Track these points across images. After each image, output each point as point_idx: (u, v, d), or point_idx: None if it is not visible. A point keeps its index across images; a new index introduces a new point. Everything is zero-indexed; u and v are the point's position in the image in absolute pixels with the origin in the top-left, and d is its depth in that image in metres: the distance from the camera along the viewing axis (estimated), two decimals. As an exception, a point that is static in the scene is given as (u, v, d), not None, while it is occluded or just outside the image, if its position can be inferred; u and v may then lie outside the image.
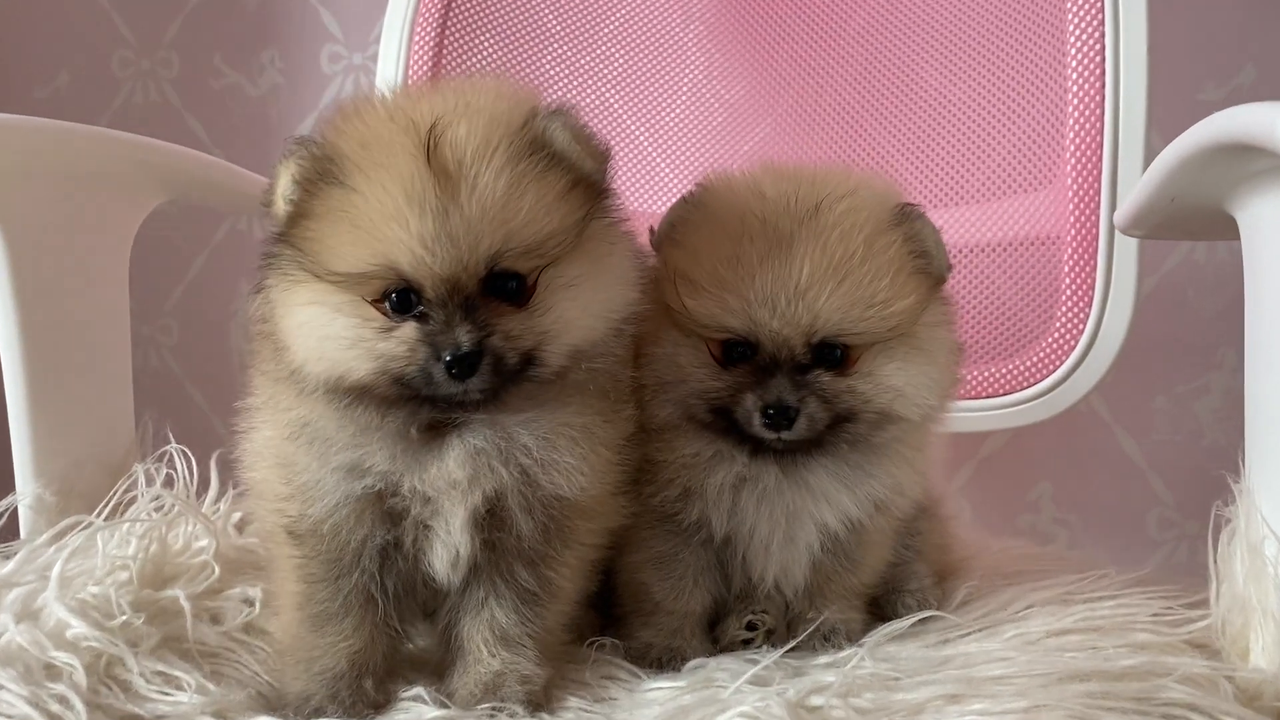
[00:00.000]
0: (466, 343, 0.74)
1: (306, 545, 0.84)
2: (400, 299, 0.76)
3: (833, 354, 0.89)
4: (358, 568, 0.84)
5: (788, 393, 0.87)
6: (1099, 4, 1.36)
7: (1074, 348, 1.39)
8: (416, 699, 0.82)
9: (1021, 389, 1.42)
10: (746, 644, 0.97)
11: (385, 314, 0.77)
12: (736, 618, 0.98)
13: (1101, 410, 1.88)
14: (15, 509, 1.12)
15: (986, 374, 1.43)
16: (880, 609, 1.03)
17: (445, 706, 0.81)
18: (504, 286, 0.77)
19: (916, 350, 0.90)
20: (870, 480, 0.95)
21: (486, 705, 0.81)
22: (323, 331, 0.78)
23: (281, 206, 0.78)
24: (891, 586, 1.04)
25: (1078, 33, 1.37)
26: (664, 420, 0.93)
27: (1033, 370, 1.41)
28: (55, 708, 0.75)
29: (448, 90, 0.81)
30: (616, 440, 0.87)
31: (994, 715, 0.75)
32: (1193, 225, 1.04)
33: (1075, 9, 1.37)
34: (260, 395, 0.88)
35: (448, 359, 0.74)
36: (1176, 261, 1.84)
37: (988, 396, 1.43)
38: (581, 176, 0.80)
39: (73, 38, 2.18)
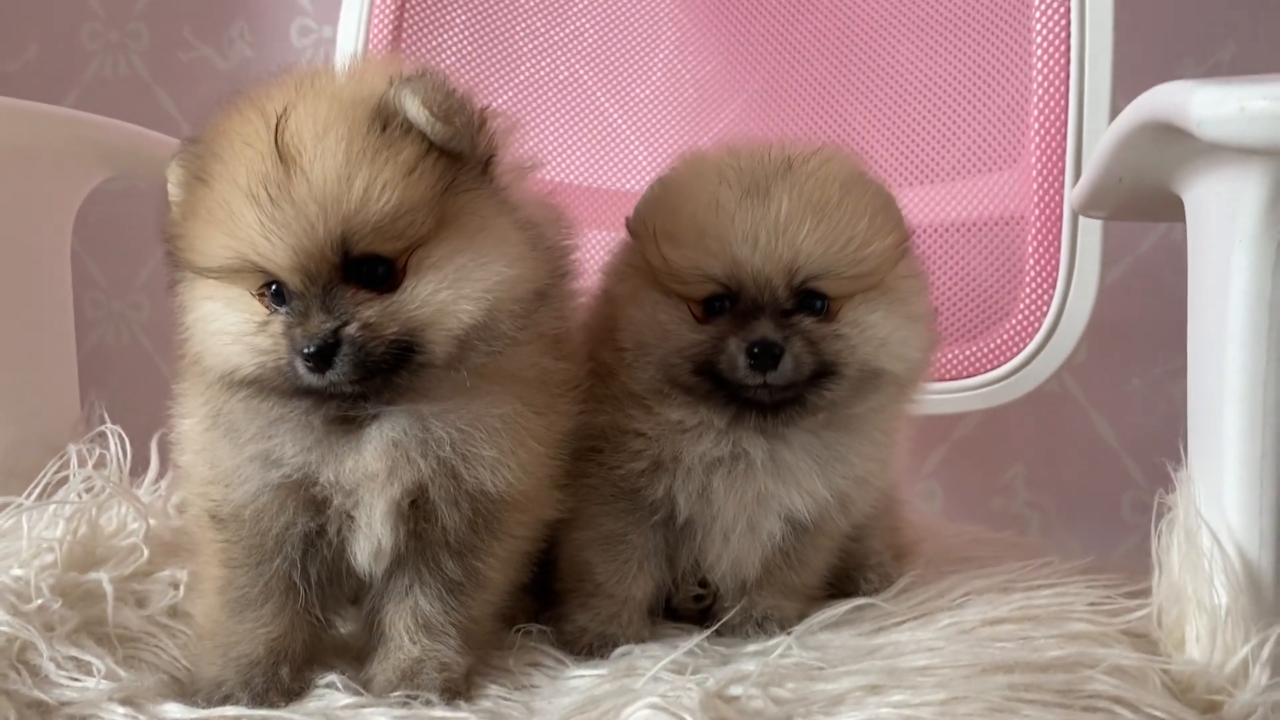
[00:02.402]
0: (319, 335, 0.72)
1: (229, 530, 0.83)
2: (277, 292, 0.75)
3: (814, 303, 0.88)
4: (279, 554, 0.82)
5: (772, 331, 0.86)
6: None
7: (1039, 329, 1.37)
8: (330, 686, 0.81)
9: (987, 370, 1.40)
10: (699, 600, 0.98)
11: (267, 307, 0.76)
12: (691, 578, 0.98)
13: (1076, 392, 1.86)
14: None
15: (953, 355, 1.41)
16: (840, 586, 1.02)
17: (358, 694, 0.80)
18: (371, 272, 0.74)
19: (898, 301, 0.90)
20: (842, 463, 0.93)
21: (401, 693, 0.79)
22: (213, 326, 0.78)
23: (175, 210, 0.78)
24: (853, 563, 1.04)
25: (1043, 10, 1.34)
26: (645, 384, 0.91)
27: (998, 351, 1.40)
28: (-42, 693, 0.74)
29: (303, 76, 0.78)
30: (550, 434, 0.85)
31: (912, 707, 0.74)
32: (1147, 206, 1.02)
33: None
34: (185, 382, 0.87)
35: (304, 351, 0.73)
36: (1152, 243, 1.82)
37: (954, 378, 1.41)
38: (436, 145, 0.75)
39: (42, 10, 2.15)
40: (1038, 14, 1.35)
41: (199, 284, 0.78)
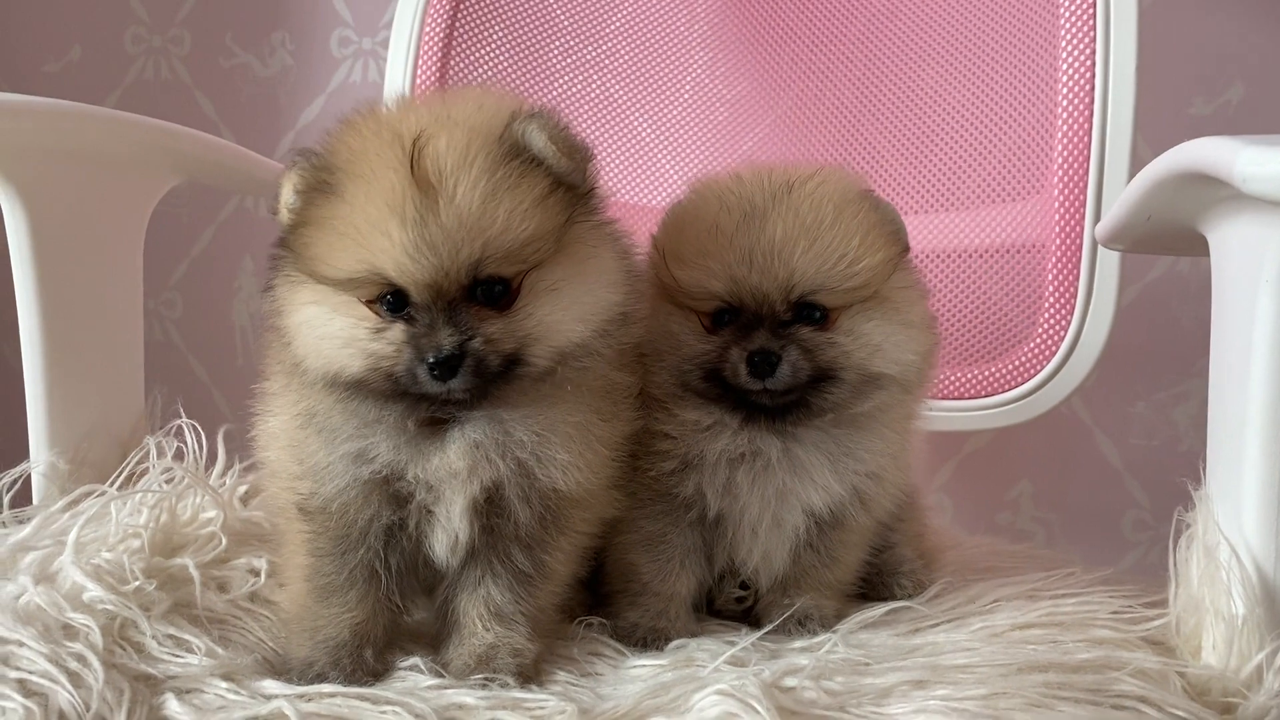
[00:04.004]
0: (448, 346, 0.79)
1: (316, 521, 0.89)
2: (394, 300, 0.81)
3: (813, 313, 0.95)
4: (363, 544, 0.88)
5: (769, 341, 0.94)
6: (1090, 19, 1.40)
7: (1055, 353, 1.44)
8: (414, 668, 0.87)
9: (1003, 391, 1.47)
10: (740, 601, 1.04)
11: (379, 314, 0.82)
12: (731, 579, 1.05)
13: (1082, 413, 1.93)
14: (28, 476, 1.17)
15: (969, 376, 1.48)
16: (875, 592, 1.09)
17: (440, 676, 0.86)
18: (489, 291, 0.81)
19: (892, 310, 0.98)
20: (853, 459, 1.00)
21: (479, 675, 0.86)
22: (320, 330, 0.83)
23: (285, 214, 0.84)
24: (886, 570, 1.10)
25: (1069, 46, 1.41)
26: (661, 388, 0.98)
27: (1014, 373, 1.46)
28: (74, 665, 0.80)
29: (434, 103, 0.85)
30: (613, 439, 0.92)
31: (955, 701, 0.80)
32: (1169, 242, 1.08)
33: (1068, 22, 1.42)
34: (274, 383, 0.93)
35: (430, 361, 0.79)
36: (1160, 272, 1.89)
37: (970, 398, 1.48)
38: (560, 179, 0.83)
39: (86, 13, 2.21)
40: (1064, 49, 1.41)
41: (303, 289, 0.84)
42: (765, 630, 0.95)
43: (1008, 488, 1.98)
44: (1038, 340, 1.45)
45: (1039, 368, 1.45)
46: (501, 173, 0.79)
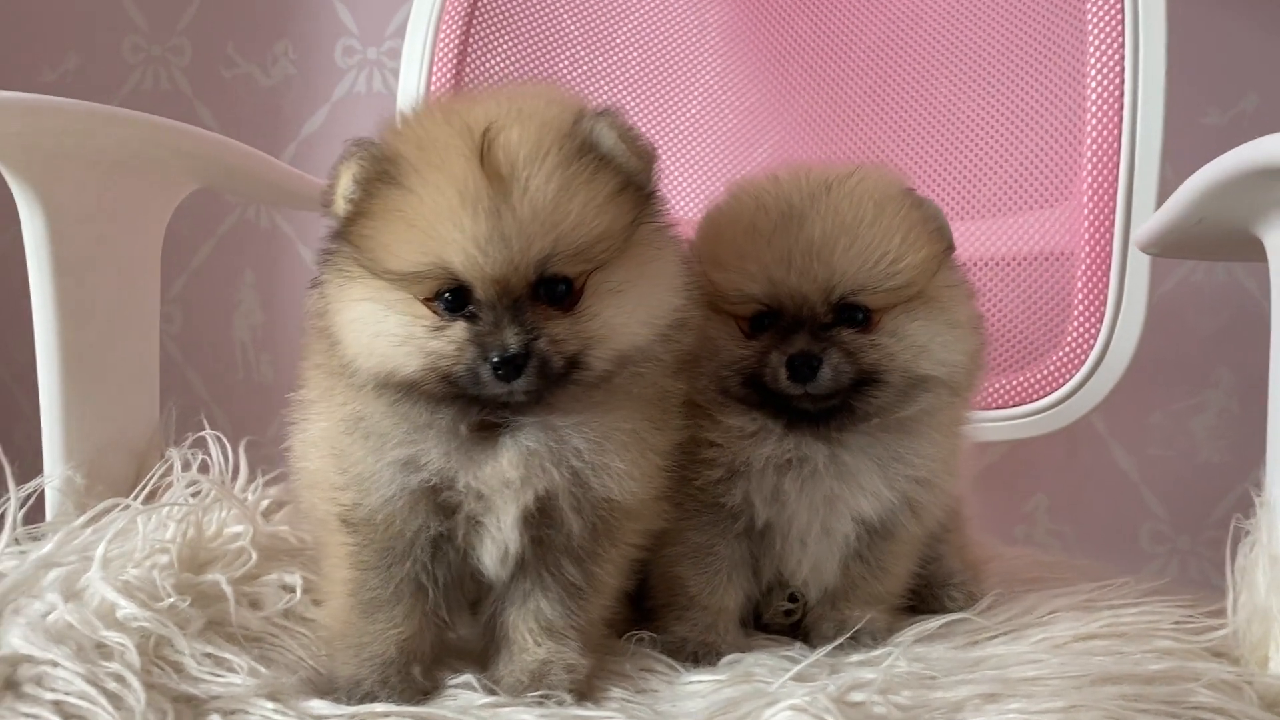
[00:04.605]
0: (514, 345, 0.76)
1: (360, 533, 0.85)
2: (453, 298, 0.78)
3: (854, 315, 0.93)
4: (409, 557, 0.85)
5: (809, 344, 0.91)
6: (1119, 23, 1.39)
7: (1084, 362, 1.43)
8: (465, 685, 0.83)
9: (1031, 401, 1.45)
10: (789, 615, 1.02)
11: (436, 313, 0.79)
12: (779, 592, 1.02)
13: (1099, 425, 1.92)
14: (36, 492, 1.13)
15: (996, 386, 1.46)
16: (925, 604, 1.06)
17: (494, 693, 0.83)
18: (552, 290, 0.79)
19: (938, 310, 0.95)
20: (903, 464, 0.97)
21: (534, 693, 0.82)
22: (375, 328, 0.80)
23: (341, 205, 0.80)
24: (935, 582, 1.08)
25: (1097, 50, 1.40)
26: (704, 395, 0.95)
27: (1042, 383, 1.45)
28: (112, 686, 0.76)
29: (500, 96, 0.83)
30: (665, 447, 0.89)
31: (1032, 714, 0.77)
32: (1214, 246, 1.07)
33: (1095, 26, 1.41)
34: (314, 389, 0.90)
35: (495, 360, 0.76)
36: (1175, 283, 1.88)
37: (997, 408, 1.46)
38: (629, 178, 0.81)
39: (83, 21, 2.17)
40: (1092, 53, 1.41)
41: (356, 285, 0.80)
42: (831, 646, 0.91)
43: (1024, 500, 1.96)
44: (1066, 349, 1.43)
45: (1068, 377, 1.44)
46: (574, 167, 0.77)
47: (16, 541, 1.04)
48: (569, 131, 0.79)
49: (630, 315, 0.81)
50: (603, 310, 0.80)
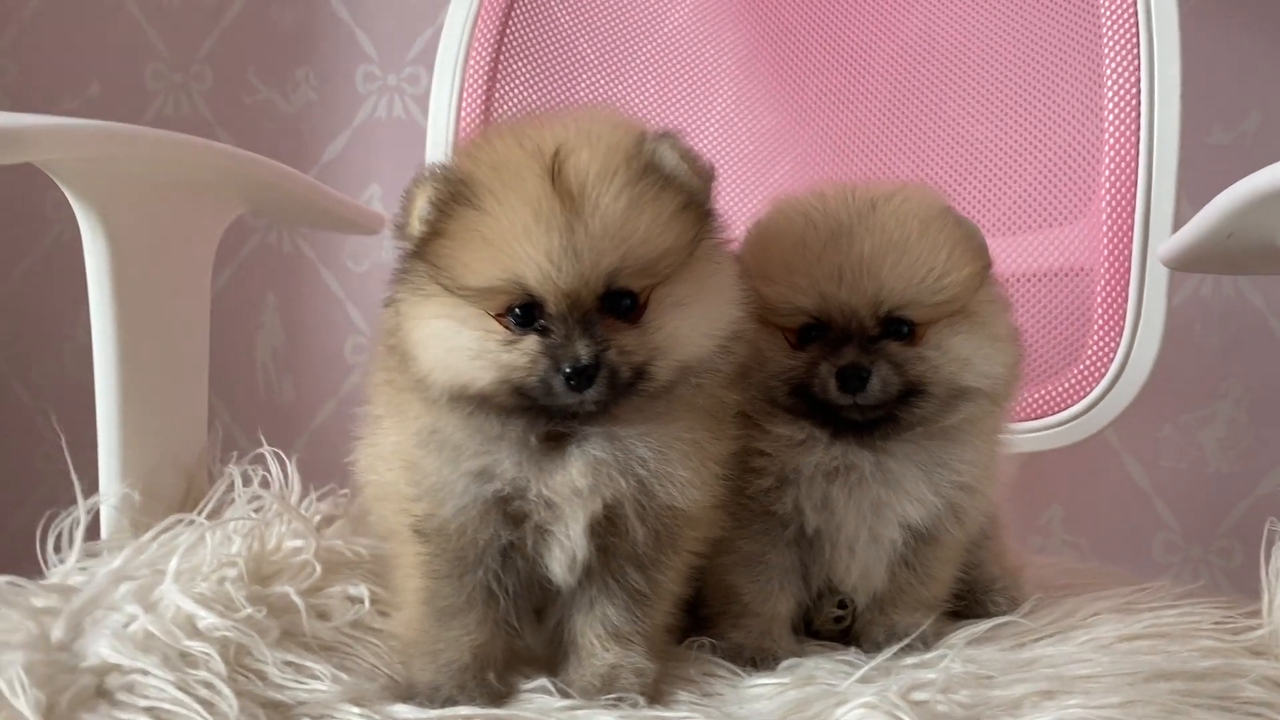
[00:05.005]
0: (585, 355, 0.79)
1: (433, 543, 0.88)
2: (523, 313, 0.81)
3: (900, 329, 0.96)
4: (481, 565, 0.88)
5: (859, 356, 0.94)
6: (1134, 44, 1.44)
7: (1104, 375, 1.46)
8: (540, 690, 0.86)
9: (1052, 414, 1.49)
10: (839, 621, 1.04)
11: (508, 328, 0.82)
12: (829, 598, 1.05)
13: (1111, 438, 1.96)
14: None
15: (1018, 399, 1.49)
16: (968, 610, 1.09)
17: (569, 696, 0.85)
18: (618, 304, 0.82)
19: (980, 324, 0.99)
20: (947, 470, 1.01)
21: (606, 696, 0.85)
22: (450, 343, 0.83)
23: (417, 226, 0.84)
24: (978, 588, 1.10)
25: (1114, 66, 1.44)
26: (752, 405, 0.99)
27: (1063, 396, 1.48)
28: (204, 693, 0.78)
29: (566, 120, 0.87)
30: (723, 456, 0.92)
31: (1092, 709, 0.80)
32: (1241, 260, 1.11)
33: (1111, 48, 1.45)
34: (382, 404, 0.93)
35: (567, 370, 0.79)
36: (1183, 298, 1.92)
37: (1020, 420, 1.49)
38: (690, 197, 0.85)
39: (105, 49, 2.20)
40: (1108, 70, 1.44)
41: (430, 302, 0.84)
42: (894, 650, 0.94)
43: (1039, 512, 2.00)
44: (1086, 362, 1.47)
45: (1088, 389, 1.47)
46: (640, 186, 0.81)
47: (61, 561, 1.06)
48: (634, 153, 0.83)
49: (693, 328, 0.85)
50: (667, 323, 0.84)
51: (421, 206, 0.83)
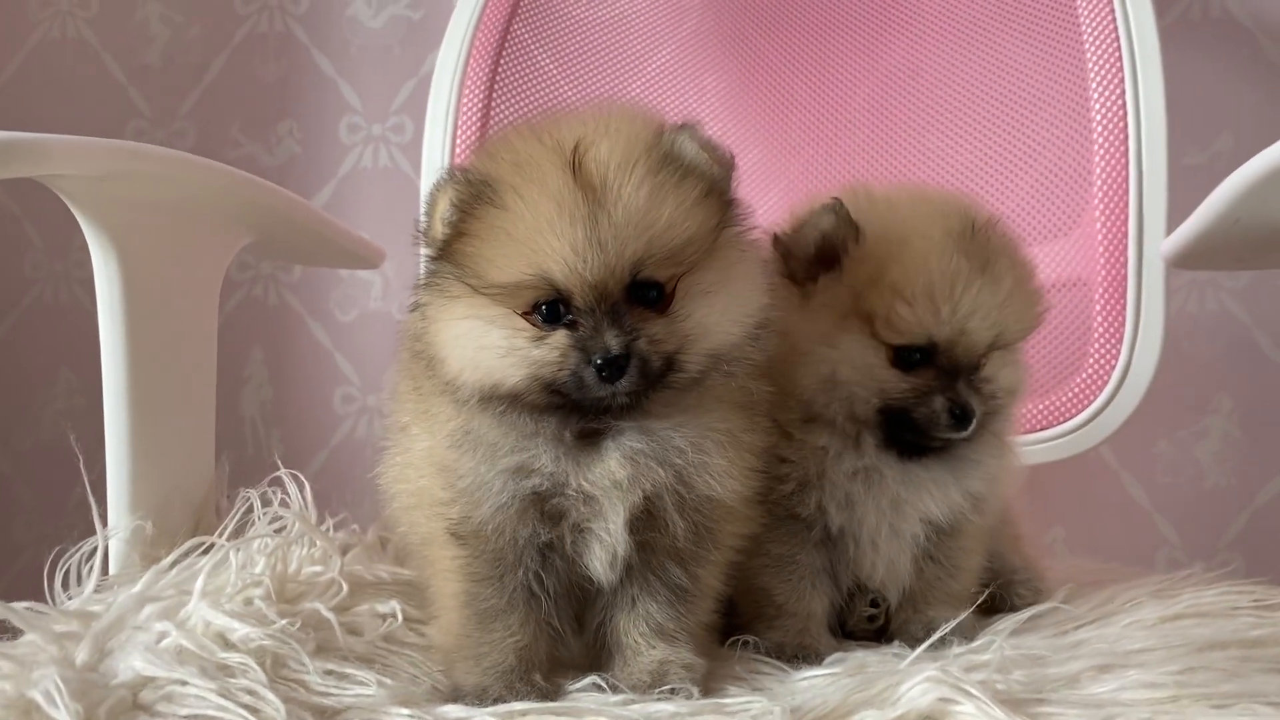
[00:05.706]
0: (615, 346, 0.79)
1: (470, 546, 0.87)
2: (550, 309, 0.81)
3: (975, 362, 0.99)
4: (520, 565, 0.87)
5: (970, 395, 0.96)
6: (1117, 57, 1.48)
7: (1106, 384, 1.47)
8: (591, 686, 0.84)
9: (1056, 425, 1.50)
10: (872, 620, 1.04)
11: (535, 325, 0.82)
12: (861, 598, 1.05)
13: (1108, 456, 1.97)
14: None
15: (1022, 411, 1.50)
16: (994, 605, 1.08)
17: (624, 691, 0.83)
18: (644, 295, 0.82)
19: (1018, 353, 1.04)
20: (972, 465, 1.03)
21: (659, 691, 0.83)
22: (479, 342, 0.83)
23: (440, 229, 0.84)
24: (1001, 580, 1.10)
25: (1099, 86, 1.48)
26: (819, 415, 0.99)
27: (1066, 407, 1.49)
28: (247, 699, 0.76)
29: (584, 116, 0.87)
30: (758, 447, 0.92)
31: (1152, 677, 0.79)
32: (1245, 250, 1.13)
33: (1095, 64, 1.49)
34: (409, 412, 0.92)
35: (598, 362, 0.79)
36: (1173, 312, 1.95)
37: (1024, 433, 1.50)
38: (712, 185, 0.85)
39: (87, 107, 2.20)
40: (1094, 91, 1.49)
41: (457, 303, 0.83)
42: (935, 637, 0.92)
43: (1041, 534, 1.99)
44: (1088, 372, 1.48)
45: (1090, 399, 1.48)
46: (661, 175, 0.81)
47: (68, 599, 1.03)
48: (653, 143, 0.83)
49: (721, 315, 0.85)
50: (695, 311, 0.84)
51: (444, 209, 0.83)
